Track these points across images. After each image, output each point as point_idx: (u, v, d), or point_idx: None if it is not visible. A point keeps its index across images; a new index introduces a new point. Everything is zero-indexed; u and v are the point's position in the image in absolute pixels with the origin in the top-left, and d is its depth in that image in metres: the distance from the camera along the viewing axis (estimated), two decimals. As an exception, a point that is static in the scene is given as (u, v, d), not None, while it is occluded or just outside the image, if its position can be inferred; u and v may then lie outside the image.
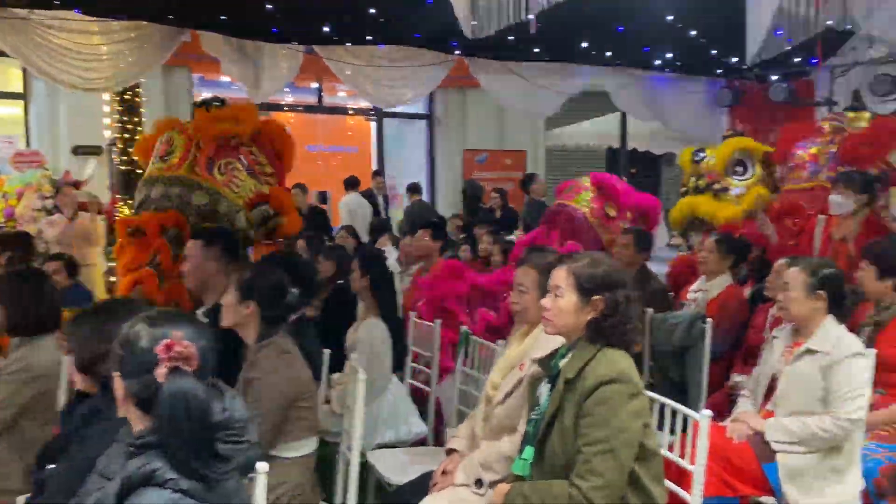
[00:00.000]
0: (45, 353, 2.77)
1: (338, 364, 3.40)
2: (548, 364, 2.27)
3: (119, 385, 1.57)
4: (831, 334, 2.88)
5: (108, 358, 1.64)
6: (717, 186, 5.27)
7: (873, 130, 4.91)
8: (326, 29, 6.36)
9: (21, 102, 8.45)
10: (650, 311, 4.02)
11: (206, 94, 9.65)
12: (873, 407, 3.16)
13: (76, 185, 7.08)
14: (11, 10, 5.79)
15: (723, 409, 3.51)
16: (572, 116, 10.79)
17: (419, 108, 10.59)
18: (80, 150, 8.13)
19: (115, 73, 6.41)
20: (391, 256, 3.58)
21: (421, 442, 3.64)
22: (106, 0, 5.86)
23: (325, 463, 2.99)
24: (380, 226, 6.85)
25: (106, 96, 7.25)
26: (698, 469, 2.31)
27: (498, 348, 3.17)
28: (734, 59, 7.49)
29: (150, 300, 3.51)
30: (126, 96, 6.99)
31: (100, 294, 6.21)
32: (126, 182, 7.20)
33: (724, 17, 6.26)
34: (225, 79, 7.70)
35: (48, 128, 8.22)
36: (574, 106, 9.51)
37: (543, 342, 2.46)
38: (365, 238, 7.12)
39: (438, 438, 3.59)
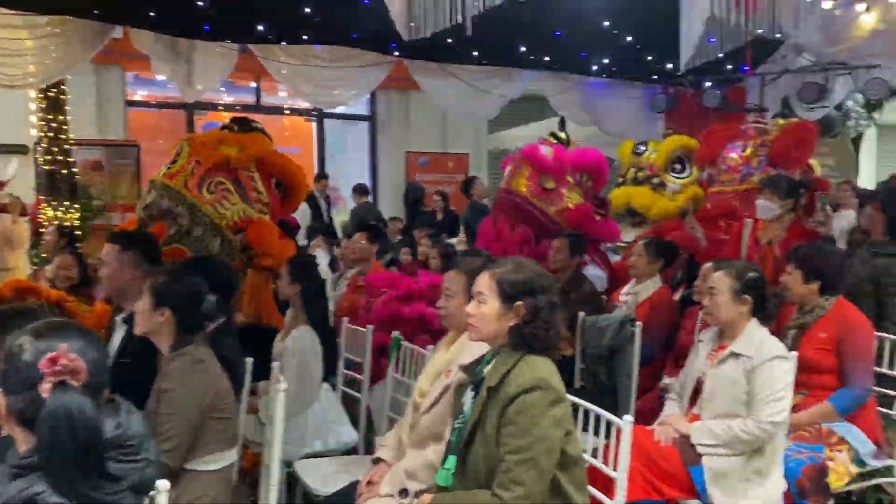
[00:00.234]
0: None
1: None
2: (472, 371, 2.24)
3: (2, 402, 1.47)
4: (755, 338, 2.92)
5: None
6: (655, 180, 5.34)
7: (799, 133, 5.06)
8: (261, 27, 6.23)
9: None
10: (582, 314, 4.03)
11: (142, 93, 9.47)
12: (797, 408, 3.23)
13: (-2, 185, 6.79)
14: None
15: (654, 411, 3.53)
16: (514, 119, 10.84)
17: (361, 109, 10.50)
18: (1, 149, 7.80)
19: (39, 69, 6.15)
20: (323, 261, 3.49)
21: (353, 450, 3.58)
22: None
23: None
24: (312, 230, 6.74)
25: (32, 93, 6.98)
26: (621, 475, 2.31)
27: (429, 354, 3.13)
28: (669, 66, 7.62)
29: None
30: (51, 93, 6.72)
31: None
32: (51, 183, 6.93)
33: (658, 24, 6.36)
34: (161, 77, 7.49)
35: (-32, 125, 7.86)
36: (516, 109, 9.55)
37: (471, 348, 2.43)
38: (304, 242, 7.00)
39: (370, 447, 3.52)
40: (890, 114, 11.31)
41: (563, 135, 5.52)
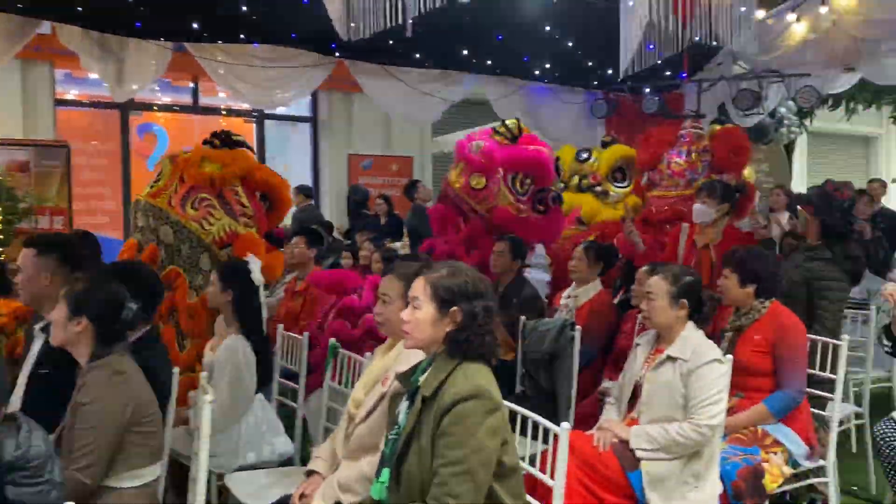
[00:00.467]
0: None
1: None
2: (407, 379, 2.17)
3: None
4: (691, 341, 2.94)
5: None
6: (599, 189, 5.37)
7: (733, 139, 5.17)
8: (196, 25, 6.05)
9: None
10: (523, 318, 4.01)
11: (73, 92, 9.11)
12: (733, 410, 3.26)
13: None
14: None
15: (594, 415, 3.53)
16: (460, 123, 10.82)
17: (303, 110, 10.33)
18: (-81, 149, 7.38)
19: (-42, 65, 5.86)
20: (255, 267, 3.38)
21: (289, 462, 3.47)
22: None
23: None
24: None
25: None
26: (558, 483, 2.27)
27: (366, 361, 3.05)
28: (609, 72, 7.70)
29: None
30: (-28, 91, 6.40)
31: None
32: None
33: (598, 31, 6.42)
34: (94, 76, 7.20)
35: None
36: (461, 112, 9.52)
37: (408, 356, 2.36)
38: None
39: (307, 458, 3.42)
40: (820, 121, 11.71)
41: (512, 122, 5.38)
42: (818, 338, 3.58)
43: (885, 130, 15.54)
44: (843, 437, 4.60)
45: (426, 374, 2.09)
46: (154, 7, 5.69)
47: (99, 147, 9.13)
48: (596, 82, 8.56)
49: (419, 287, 2.08)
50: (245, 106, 9.15)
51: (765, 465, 3.08)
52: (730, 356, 3.02)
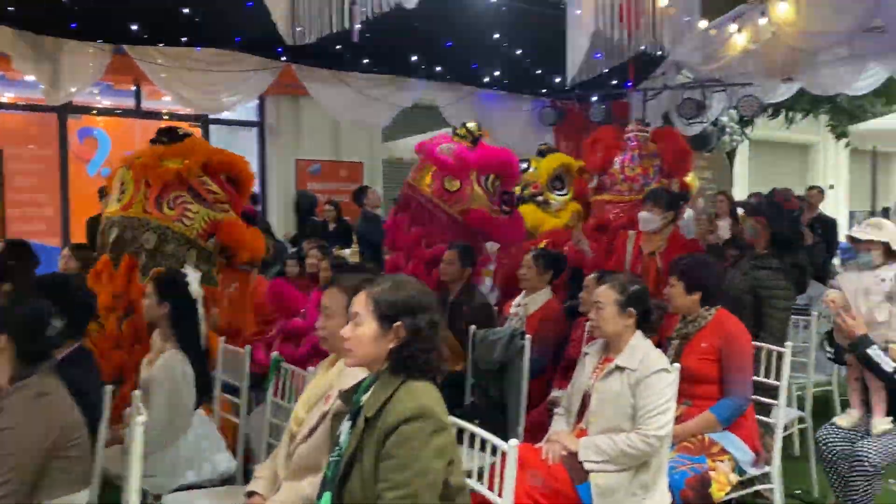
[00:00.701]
0: None
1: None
2: (350, 398, 2.10)
3: None
4: (638, 351, 2.93)
5: None
6: (540, 199, 5.37)
7: (675, 141, 5.25)
8: (135, 27, 5.86)
9: None
10: (473, 327, 3.97)
11: (7, 95, 8.73)
12: (681, 419, 3.27)
13: None
14: None
15: (544, 424, 3.50)
16: (410, 128, 10.77)
17: (249, 115, 10.14)
18: None
19: None
20: (193, 279, 3.25)
21: (231, 479, 3.35)
22: None
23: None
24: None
25: None
26: (506, 501, 2.23)
27: (310, 376, 2.95)
28: (557, 80, 7.76)
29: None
30: None
31: None
32: None
33: (546, 39, 6.45)
34: (31, 78, 6.92)
35: None
36: (411, 118, 9.47)
37: (352, 372, 2.29)
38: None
39: (250, 476, 3.30)
40: (760, 129, 12.02)
41: (472, 125, 5.38)
42: (762, 345, 3.63)
43: (822, 139, 16.04)
44: (787, 441, 4.68)
45: (369, 393, 2.02)
46: (90, 8, 5.49)
47: (35, 152, 8.79)
48: (544, 90, 8.62)
49: (360, 302, 2.01)
50: (189, 110, 8.93)
51: (712, 473, 3.09)
52: (677, 365, 3.02)
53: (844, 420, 3.56)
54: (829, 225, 7.30)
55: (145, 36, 6.11)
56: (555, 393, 3.88)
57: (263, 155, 10.23)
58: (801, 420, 4.44)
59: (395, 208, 5.28)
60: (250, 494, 2.50)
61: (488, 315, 4.36)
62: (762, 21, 6.95)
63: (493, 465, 2.42)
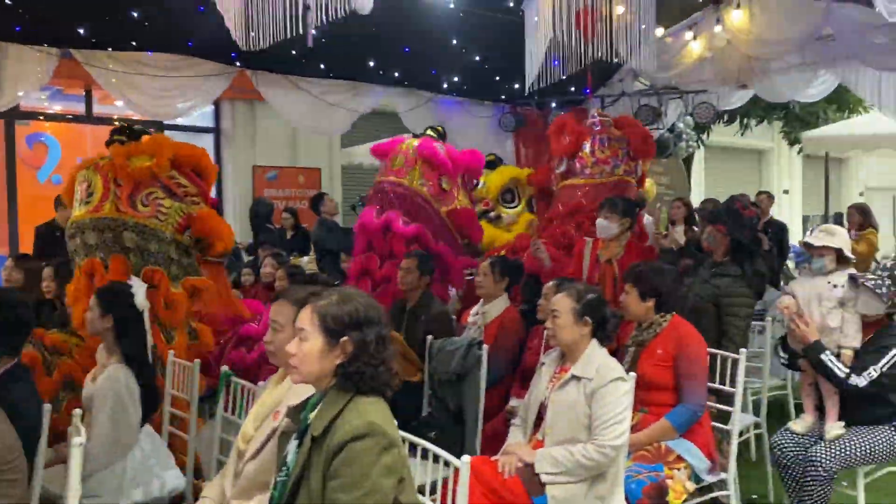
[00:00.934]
0: None
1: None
2: (297, 416, 2.03)
3: None
4: (595, 360, 2.91)
5: None
6: (492, 214, 5.37)
7: (641, 128, 5.52)
8: (82, 31, 5.68)
9: None
10: (430, 337, 3.92)
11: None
12: (638, 427, 3.26)
13: None
14: None
15: (503, 434, 3.46)
16: (369, 134, 10.68)
17: (205, 121, 9.95)
18: None
19: None
20: (139, 291, 3.15)
21: (181, 497, 3.25)
22: None
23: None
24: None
25: None
26: (459, 518, 2.18)
27: (260, 391, 2.87)
28: (516, 86, 7.76)
29: None
30: None
31: None
32: None
33: (505, 45, 6.44)
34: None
35: None
36: (370, 124, 9.38)
37: (302, 388, 2.22)
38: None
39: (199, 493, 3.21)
40: (716, 135, 12.20)
41: (439, 128, 5.42)
42: (717, 351, 3.64)
43: (776, 145, 16.38)
44: (743, 446, 4.72)
45: (315, 410, 1.95)
46: (35, 11, 5.31)
47: (-20, 158, 8.51)
48: (503, 96, 8.62)
49: (306, 317, 1.94)
50: (142, 116, 8.73)
51: (669, 481, 3.08)
52: (633, 374, 3.01)
53: (798, 425, 3.59)
54: (779, 230, 7.42)
55: (93, 40, 5.92)
56: (513, 402, 3.85)
57: (219, 161, 10.03)
58: (757, 425, 4.48)
59: (370, 209, 5.15)
60: (197, 515, 2.41)
61: (447, 324, 4.32)
62: (717, 29, 7.06)
63: (445, 480, 2.37)
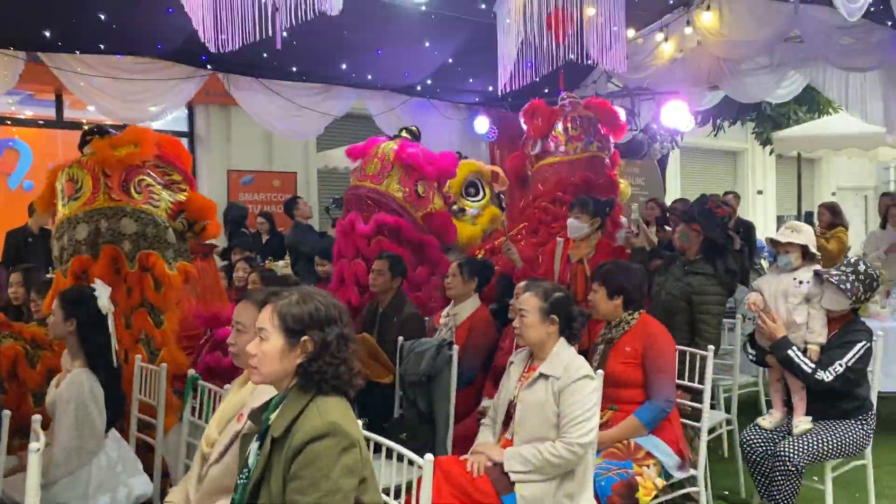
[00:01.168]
0: None
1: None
2: (259, 417, 2.01)
3: None
4: (562, 358, 2.91)
5: None
6: (455, 208, 5.39)
7: (610, 106, 5.70)
8: (48, 34, 5.61)
9: None
10: (401, 338, 3.91)
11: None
12: (608, 424, 3.27)
13: None
14: None
15: (475, 434, 3.45)
16: (345, 138, 10.64)
17: (179, 125, 9.87)
18: None
19: None
20: (103, 294, 3.10)
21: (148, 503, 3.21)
22: None
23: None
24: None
25: None
26: (424, 517, 2.17)
27: (225, 394, 2.84)
28: (490, 88, 7.77)
29: None
30: None
31: None
32: None
33: (478, 48, 6.45)
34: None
35: None
36: (346, 127, 9.35)
37: (265, 389, 2.20)
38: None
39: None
40: (690, 137, 12.30)
41: (414, 128, 5.41)
42: (688, 348, 3.67)
43: (750, 146, 16.54)
44: (716, 442, 4.76)
45: (276, 411, 1.93)
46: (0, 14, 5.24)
47: (-54, 163, 8.39)
48: (477, 98, 8.63)
49: (266, 316, 1.93)
50: (114, 120, 8.64)
51: (638, 478, 3.10)
52: (601, 371, 3.02)
53: (767, 421, 3.63)
54: (746, 228, 7.49)
55: (60, 43, 5.85)
56: (485, 402, 3.85)
57: (194, 165, 9.97)
58: (728, 422, 4.51)
59: (348, 216, 5.13)
60: (162, 520, 2.38)
61: (419, 326, 4.30)
62: (688, 30, 7.12)
63: (419, 480, 2.36)
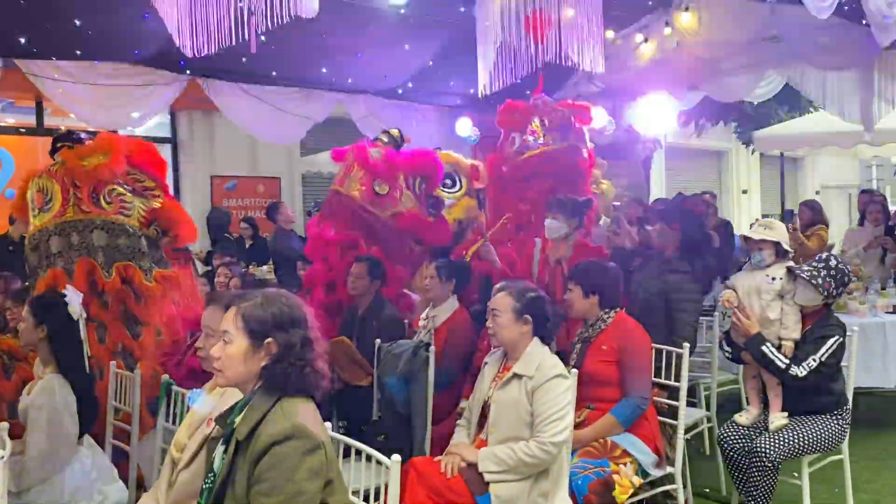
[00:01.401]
0: None
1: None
2: (224, 421, 2.00)
3: None
4: (535, 358, 2.92)
5: None
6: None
7: (577, 104, 5.87)
8: (23, 40, 5.57)
9: None
10: (378, 340, 3.90)
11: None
12: (586, 423, 3.28)
13: None
14: None
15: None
16: (329, 141, 10.61)
17: (162, 131, 9.83)
18: None
19: None
20: (74, 299, 3.09)
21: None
22: None
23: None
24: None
25: None
26: (393, 518, 2.16)
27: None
28: (471, 91, 7.77)
29: None
30: None
31: None
32: None
33: (458, 50, 6.45)
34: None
35: None
36: (330, 131, 9.33)
37: (235, 394, 2.19)
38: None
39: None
40: (674, 137, 12.35)
41: (395, 132, 5.40)
42: (664, 347, 3.68)
43: (734, 145, 16.62)
44: (698, 440, 4.78)
45: (242, 414, 1.93)
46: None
47: (-78, 172, 8.31)
48: (458, 101, 8.64)
49: (230, 319, 1.93)
50: (95, 127, 8.59)
51: (615, 476, 3.10)
52: (574, 370, 3.03)
53: (743, 417, 3.64)
54: (724, 227, 7.53)
55: (35, 49, 5.81)
56: (463, 404, 3.84)
57: (177, 172, 9.92)
58: (709, 419, 4.53)
59: (317, 217, 5.20)
60: (131, 528, 2.37)
61: (398, 328, 4.30)
62: (667, 31, 7.15)
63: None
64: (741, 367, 4.87)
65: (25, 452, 2.94)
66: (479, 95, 6.62)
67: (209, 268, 7.24)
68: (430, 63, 7.33)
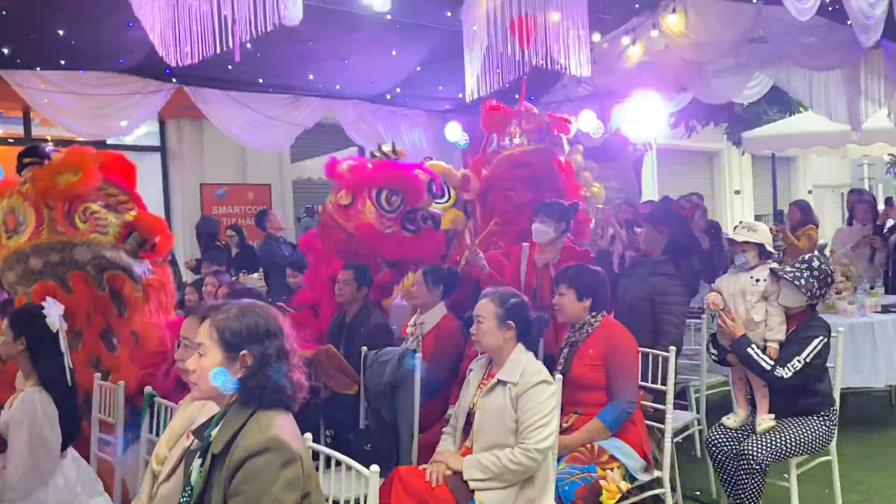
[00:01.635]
0: None
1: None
2: (201, 434, 1.98)
3: None
4: (519, 363, 2.91)
5: None
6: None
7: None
8: (6, 50, 5.55)
9: None
10: (364, 348, 3.89)
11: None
12: (573, 428, 3.27)
13: None
14: None
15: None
16: (319, 148, 10.62)
17: (151, 139, 9.80)
18: None
19: None
20: (53, 311, 3.06)
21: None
22: None
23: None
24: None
25: None
26: (373, 529, 2.15)
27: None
28: (459, 95, 7.77)
29: None
30: None
31: None
32: None
33: (444, 55, 6.46)
34: None
35: None
36: (320, 137, 9.32)
37: (215, 406, 2.17)
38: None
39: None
40: (665, 138, 12.37)
41: (388, 147, 5.42)
42: (650, 350, 3.67)
43: (725, 146, 16.66)
44: (688, 443, 4.77)
45: (218, 427, 1.91)
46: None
47: None
48: (447, 106, 8.64)
49: (204, 331, 1.91)
50: (83, 136, 8.55)
51: (602, 482, 3.09)
52: (559, 376, 3.02)
53: (731, 420, 3.64)
54: (711, 228, 7.54)
55: (18, 60, 5.79)
56: (450, 411, 3.82)
57: (166, 180, 9.91)
58: (699, 421, 4.52)
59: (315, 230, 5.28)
60: (111, 542, 2.35)
61: (385, 336, 4.28)
62: (654, 33, 7.16)
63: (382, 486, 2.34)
64: (731, 369, 4.90)
65: (7, 466, 2.91)
66: (467, 100, 6.64)
67: (198, 276, 7.22)
68: (418, 68, 7.33)
